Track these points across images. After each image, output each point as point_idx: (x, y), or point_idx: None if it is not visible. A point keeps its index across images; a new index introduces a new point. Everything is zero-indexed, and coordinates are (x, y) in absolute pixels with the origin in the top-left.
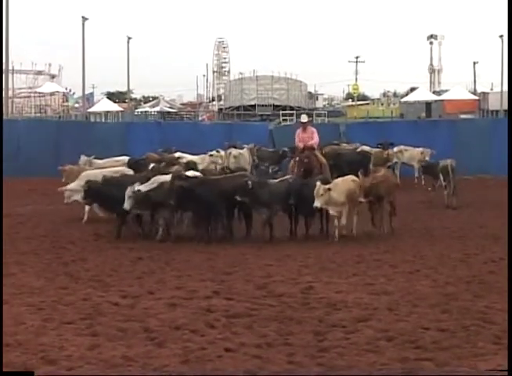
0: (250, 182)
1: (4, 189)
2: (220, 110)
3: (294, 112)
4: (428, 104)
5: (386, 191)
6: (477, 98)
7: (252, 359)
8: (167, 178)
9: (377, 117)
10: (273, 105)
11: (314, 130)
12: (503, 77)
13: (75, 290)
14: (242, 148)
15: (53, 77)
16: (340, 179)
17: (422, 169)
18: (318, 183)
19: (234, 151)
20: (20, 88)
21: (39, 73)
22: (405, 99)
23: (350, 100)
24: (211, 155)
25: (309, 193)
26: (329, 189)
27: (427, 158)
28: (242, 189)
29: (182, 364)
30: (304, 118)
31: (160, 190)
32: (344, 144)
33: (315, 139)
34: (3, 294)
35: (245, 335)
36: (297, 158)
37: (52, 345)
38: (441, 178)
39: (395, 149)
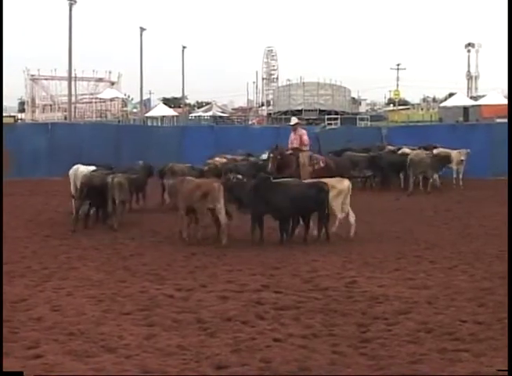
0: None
1: (67, 188)
2: (269, 114)
3: (339, 116)
4: (466, 109)
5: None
6: None
7: (298, 349)
8: None
9: (417, 121)
10: (319, 110)
11: (303, 132)
12: None
13: (133, 283)
14: None
15: (113, 84)
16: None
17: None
18: None
19: None
20: (83, 95)
21: (100, 80)
22: (443, 103)
23: (391, 105)
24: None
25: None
26: None
27: (463, 158)
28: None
29: (233, 353)
30: (292, 121)
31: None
32: (389, 146)
33: (303, 141)
34: (67, 286)
35: (292, 326)
36: (272, 155)
37: (111, 335)
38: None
39: (434, 151)
